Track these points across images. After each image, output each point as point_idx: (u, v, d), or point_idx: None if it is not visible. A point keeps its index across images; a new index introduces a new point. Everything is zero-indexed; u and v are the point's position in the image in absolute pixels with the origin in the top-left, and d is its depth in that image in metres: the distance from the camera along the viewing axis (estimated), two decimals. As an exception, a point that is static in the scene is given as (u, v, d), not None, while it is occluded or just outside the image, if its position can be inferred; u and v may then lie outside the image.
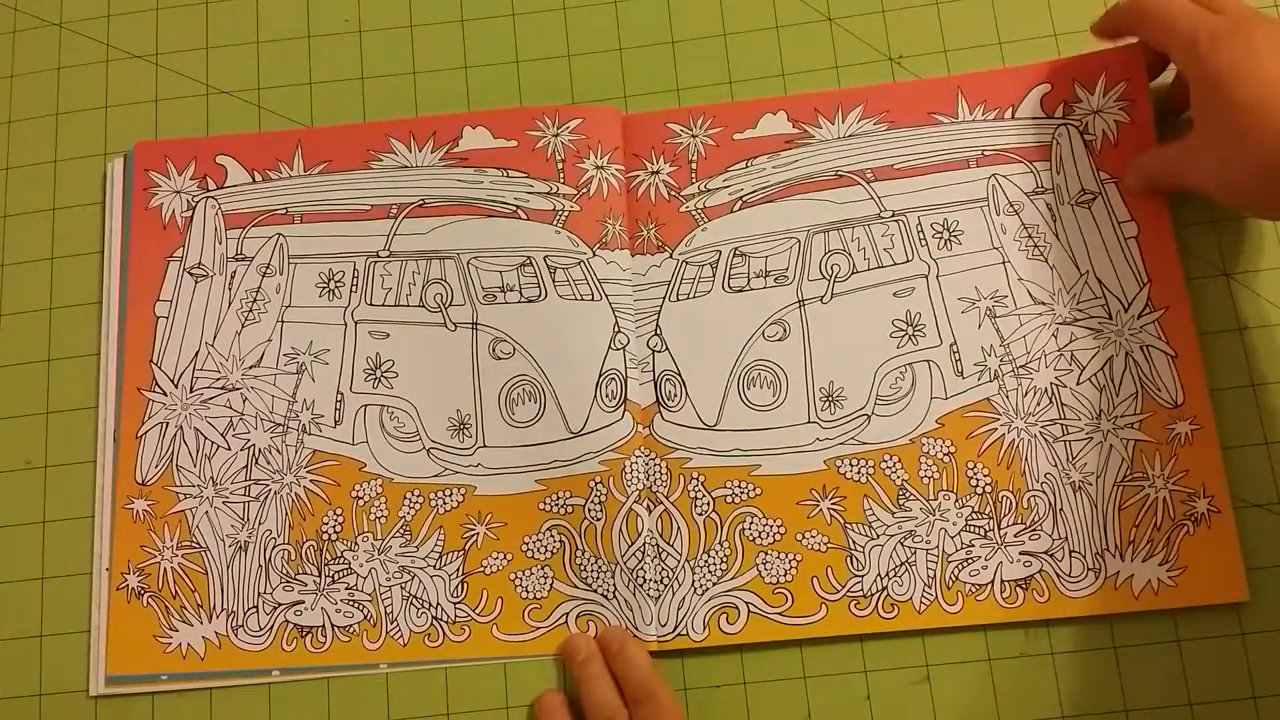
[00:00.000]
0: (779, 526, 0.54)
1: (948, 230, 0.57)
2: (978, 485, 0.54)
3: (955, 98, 0.58)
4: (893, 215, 0.57)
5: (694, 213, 0.58)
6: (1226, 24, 0.49)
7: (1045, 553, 0.52)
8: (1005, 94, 0.58)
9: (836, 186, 0.57)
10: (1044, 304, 0.55)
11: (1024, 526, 0.53)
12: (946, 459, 0.54)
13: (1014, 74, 0.58)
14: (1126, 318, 0.54)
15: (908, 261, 0.56)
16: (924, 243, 0.57)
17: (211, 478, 0.56)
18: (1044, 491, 0.53)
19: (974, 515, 0.53)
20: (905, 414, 0.55)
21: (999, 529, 0.53)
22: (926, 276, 0.56)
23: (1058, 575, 0.52)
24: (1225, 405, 0.53)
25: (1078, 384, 0.54)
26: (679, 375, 0.56)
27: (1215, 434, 0.53)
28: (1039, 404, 0.54)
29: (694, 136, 0.58)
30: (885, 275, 0.56)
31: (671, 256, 0.57)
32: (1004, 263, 0.56)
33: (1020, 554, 0.52)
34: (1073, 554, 0.52)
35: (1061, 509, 0.53)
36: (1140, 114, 0.56)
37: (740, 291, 0.56)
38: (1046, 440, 0.54)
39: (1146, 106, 0.56)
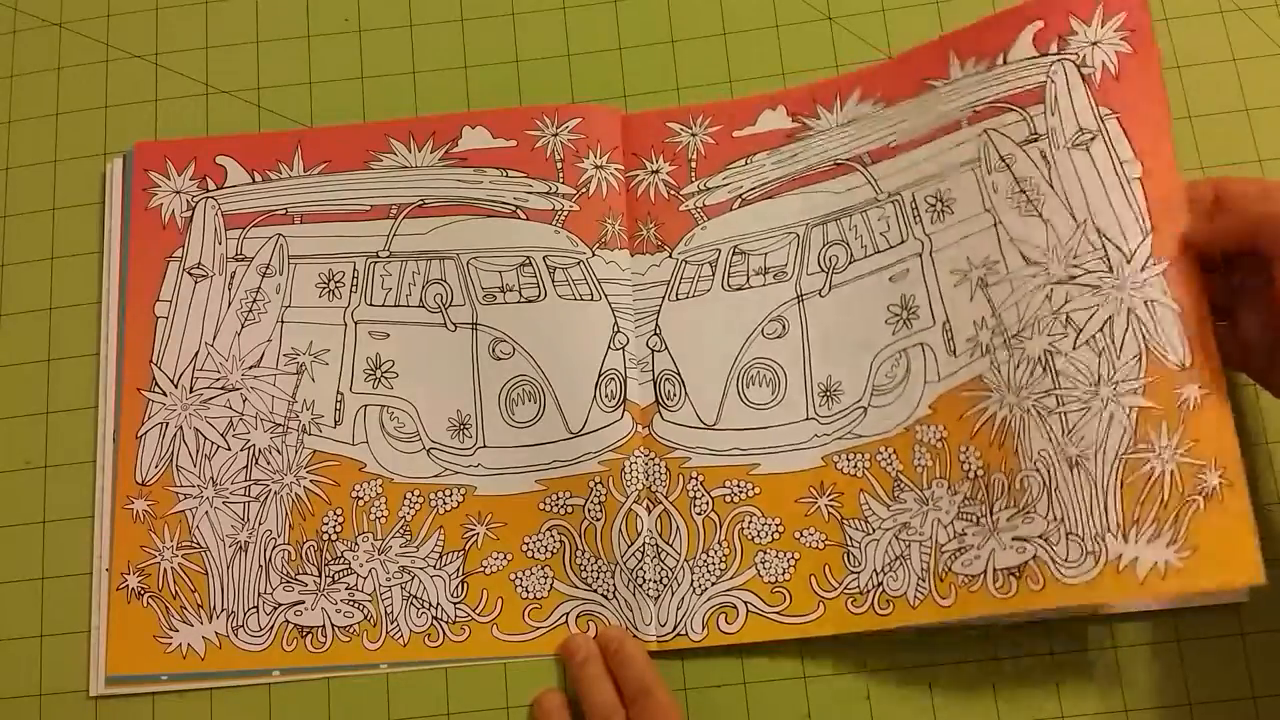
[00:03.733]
0: (777, 525, 0.54)
1: (940, 201, 0.55)
2: (970, 469, 0.52)
3: (947, 58, 0.56)
4: (888, 196, 0.56)
5: (693, 211, 0.58)
6: None
7: (1039, 537, 0.49)
8: (996, 41, 0.55)
9: (835, 176, 0.57)
10: (1037, 264, 0.52)
11: (1017, 510, 0.50)
12: (939, 444, 0.53)
13: (1005, 17, 0.55)
14: (1129, 270, 0.50)
15: (902, 242, 0.55)
16: (918, 219, 0.55)
17: (211, 478, 0.56)
18: (1038, 470, 0.50)
19: (966, 502, 0.52)
20: (899, 402, 0.54)
21: (991, 514, 0.51)
22: (920, 255, 0.55)
23: (1053, 561, 0.49)
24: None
25: (1074, 349, 0.50)
26: (678, 375, 0.56)
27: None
28: (1031, 375, 0.51)
29: (694, 135, 0.58)
30: (881, 260, 0.56)
31: (671, 256, 0.57)
32: (995, 225, 0.53)
33: (1013, 539, 0.50)
34: (1069, 537, 0.48)
35: (1057, 488, 0.49)
36: (1143, 44, 0.52)
37: (739, 290, 0.56)
38: (1040, 414, 0.50)
39: (1150, 35, 0.52)
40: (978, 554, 0.51)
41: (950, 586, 0.51)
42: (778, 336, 0.56)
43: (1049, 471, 0.50)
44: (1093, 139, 0.51)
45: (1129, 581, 0.47)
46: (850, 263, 0.56)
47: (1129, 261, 0.50)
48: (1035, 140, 0.53)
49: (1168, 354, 0.48)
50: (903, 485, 0.53)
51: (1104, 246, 0.50)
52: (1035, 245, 0.52)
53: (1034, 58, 0.54)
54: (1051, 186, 0.52)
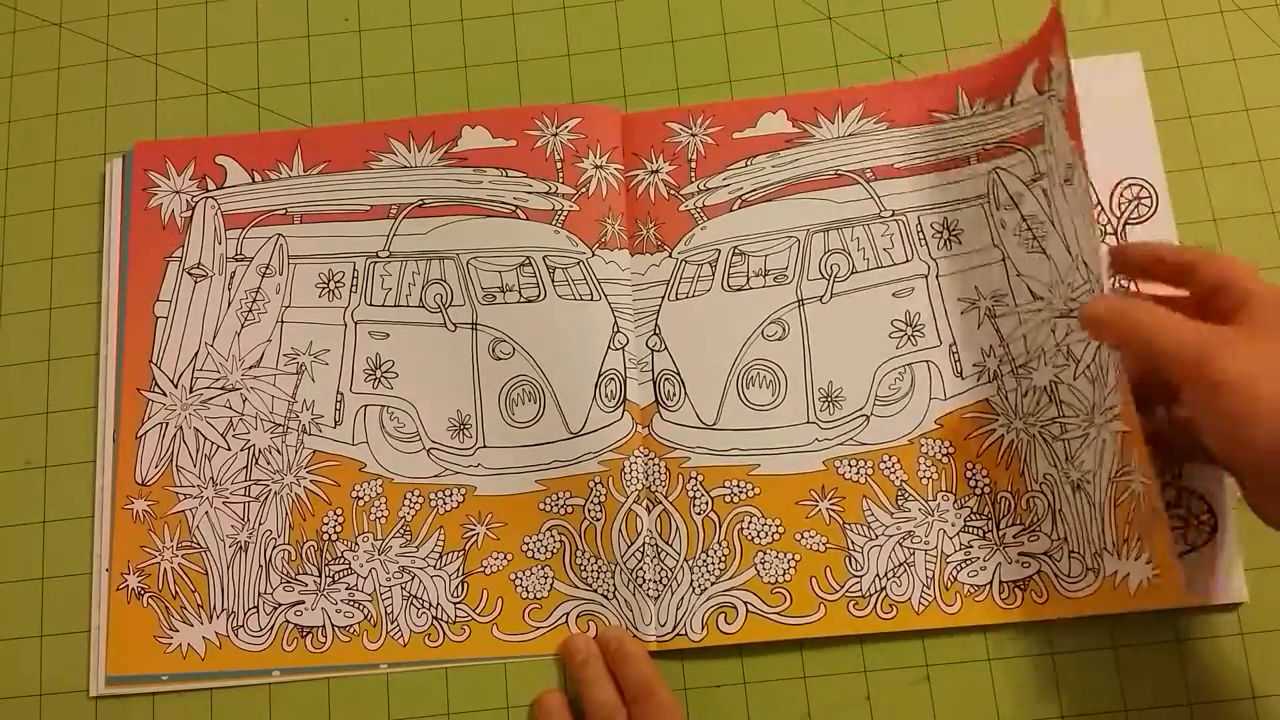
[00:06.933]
0: (778, 526, 0.54)
1: (948, 230, 0.56)
2: (976, 486, 0.53)
3: (955, 94, 0.58)
4: (893, 215, 0.57)
5: (693, 212, 0.58)
6: (1247, 333, 0.43)
7: (1044, 554, 0.52)
8: (1003, 83, 0.57)
9: (836, 186, 0.57)
10: (1042, 298, 0.54)
11: (1023, 527, 0.53)
12: (945, 459, 0.54)
13: (1011, 59, 0.57)
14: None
15: (907, 261, 0.56)
16: (924, 242, 0.56)
17: (211, 478, 0.56)
18: (1043, 492, 0.53)
19: (973, 516, 0.53)
20: (904, 415, 0.55)
21: (998, 530, 0.53)
22: (926, 276, 0.56)
23: (1056, 576, 0.52)
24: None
25: (1074, 379, 0.52)
26: (678, 375, 0.56)
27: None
28: (1039, 403, 0.53)
29: (693, 135, 0.58)
30: (885, 275, 0.56)
31: (670, 256, 0.57)
32: (1004, 260, 0.55)
33: (1019, 555, 0.52)
34: (1071, 555, 0.52)
35: (1061, 509, 0.52)
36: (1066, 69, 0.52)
37: (739, 291, 0.56)
38: (1046, 440, 0.53)
39: (1063, 57, 0.52)
40: (983, 565, 0.53)
41: (956, 595, 0.52)
42: (778, 339, 0.56)
43: (1053, 493, 0.52)
44: (1073, 171, 0.52)
45: (1124, 595, 0.50)
46: (852, 273, 0.56)
47: (1104, 290, 0.50)
48: (1039, 179, 0.55)
49: None
50: (907, 494, 0.53)
51: (1089, 278, 0.51)
52: (1041, 281, 0.54)
53: (1034, 98, 0.55)
54: (1053, 224, 0.54)
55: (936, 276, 0.56)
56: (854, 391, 0.55)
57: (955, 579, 0.52)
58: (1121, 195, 0.56)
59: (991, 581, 0.52)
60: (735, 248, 0.57)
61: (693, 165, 0.58)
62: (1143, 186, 0.56)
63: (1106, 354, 0.50)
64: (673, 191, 0.58)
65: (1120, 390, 0.49)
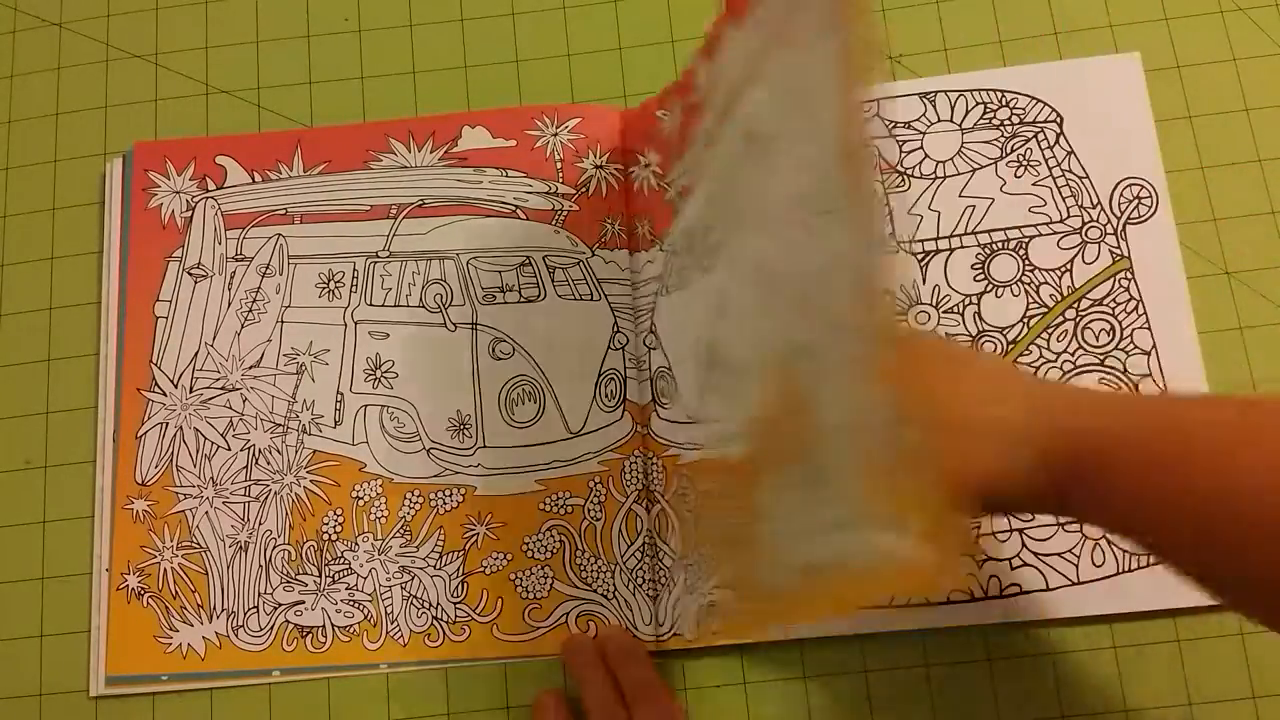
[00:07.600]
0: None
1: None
2: None
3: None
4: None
5: (675, 200, 0.57)
6: None
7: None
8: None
9: None
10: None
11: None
12: None
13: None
14: None
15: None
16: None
17: (211, 478, 0.56)
18: None
19: None
20: None
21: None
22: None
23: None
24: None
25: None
26: (670, 371, 0.55)
27: None
28: None
29: (673, 120, 0.58)
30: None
31: (662, 249, 0.57)
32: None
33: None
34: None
35: None
36: None
37: (713, 271, 0.55)
38: None
39: None
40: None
41: None
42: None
43: None
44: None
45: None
46: None
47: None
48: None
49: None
50: None
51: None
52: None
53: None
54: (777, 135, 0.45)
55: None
56: None
57: None
58: (1121, 195, 0.56)
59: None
60: (709, 228, 0.56)
61: (673, 151, 0.57)
62: (1143, 186, 0.56)
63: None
64: (663, 183, 0.57)
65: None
